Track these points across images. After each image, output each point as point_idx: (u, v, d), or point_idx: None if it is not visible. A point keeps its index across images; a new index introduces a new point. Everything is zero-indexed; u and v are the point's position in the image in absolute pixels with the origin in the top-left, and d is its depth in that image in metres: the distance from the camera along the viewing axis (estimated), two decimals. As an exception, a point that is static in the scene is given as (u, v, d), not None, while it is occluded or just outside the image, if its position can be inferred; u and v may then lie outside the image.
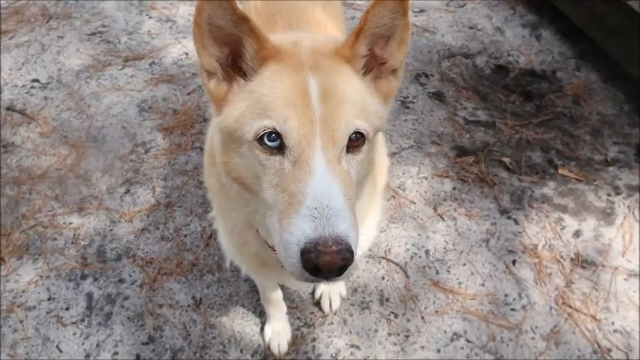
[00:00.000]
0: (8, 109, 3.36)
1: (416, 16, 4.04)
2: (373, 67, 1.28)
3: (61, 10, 4.15)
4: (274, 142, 1.13)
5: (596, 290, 2.48)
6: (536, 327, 2.38)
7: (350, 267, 1.05)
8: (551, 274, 2.55)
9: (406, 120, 3.25)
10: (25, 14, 4.13)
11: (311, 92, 1.13)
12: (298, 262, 1.04)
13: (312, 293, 2.45)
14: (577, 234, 2.70)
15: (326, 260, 1.01)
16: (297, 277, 1.09)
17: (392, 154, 3.02)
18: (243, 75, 1.23)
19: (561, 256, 2.61)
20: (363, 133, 1.17)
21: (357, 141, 1.17)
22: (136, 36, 3.91)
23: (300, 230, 1.04)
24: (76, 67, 3.65)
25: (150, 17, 4.07)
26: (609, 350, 2.30)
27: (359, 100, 1.20)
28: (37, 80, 3.57)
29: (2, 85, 3.53)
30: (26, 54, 3.76)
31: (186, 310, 2.41)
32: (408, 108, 3.33)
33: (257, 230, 1.43)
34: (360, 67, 1.25)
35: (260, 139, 1.14)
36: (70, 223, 2.74)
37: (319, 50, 1.23)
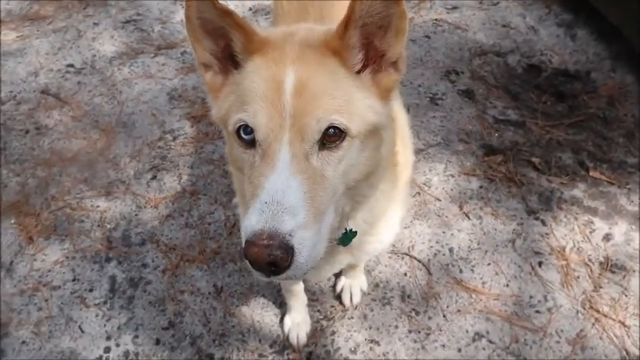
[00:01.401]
0: (43, 92, 3.43)
1: (448, 12, 3.99)
2: (375, 60, 1.23)
3: (97, -2, 4.21)
4: (249, 135, 1.13)
5: (626, 296, 2.42)
6: (562, 331, 2.33)
7: (291, 267, 1.03)
8: (578, 277, 2.49)
9: (434, 117, 3.21)
10: (62, 0, 4.20)
11: (285, 86, 1.10)
12: (243, 253, 1.05)
13: (334, 286, 2.44)
14: (607, 237, 2.64)
15: (253, 252, 1.01)
16: (249, 270, 1.09)
17: (419, 151, 2.99)
18: (238, 67, 1.23)
19: (590, 260, 2.55)
20: (341, 128, 1.12)
21: (334, 137, 1.12)
22: (169, 25, 3.94)
23: (248, 220, 1.04)
24: (109, 54, 3.70)
25: (183, 7, 4.09)
26: (638, 358, 2.24)
27: (341, 94, 1.15)
28: (71, 65, 3.63)
29: (38, 69, 3.60)
30: (63, 39, 3.83)
31: (207, 298, 2.43)
32: (436, 105, 3.29)
33: None
34: (355, 59, 1.20)
35: (237, 132, 1.14)
36: (98, 207, 2.78)
37: (308, 42, 1.19)
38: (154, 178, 2.91)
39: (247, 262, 1.05)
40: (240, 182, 1.41)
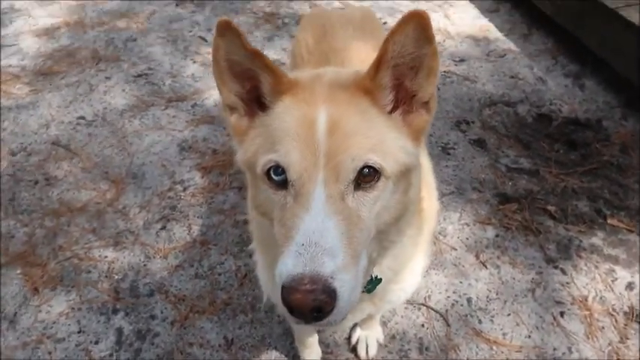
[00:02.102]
0: (54, 143, 3.44)
1: (456, 65, 4.05)
2: (405, 100, 1.21)
3: (111, 54, 4.31)
4: (280, 176, 1.09)
5: (654, 348, 2.31)
6: (589, 385, 2.21)
7: (333, 312, 0.98)
8: (603, 327, 2.39)
9: (447, 166, 3.19)
10: (76, 57, 4.30)
11: (318, 125, 1.07)
12: (280, 299, 0.99)
13: (348, 338, 2.34)
14: (630, 286, 2.55)
15: (295, 298, 0.95)
16: (285, 316, 1.03)
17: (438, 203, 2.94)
18: (265, 109, 1.21)
19: (614, 310, 2.45)
20: (375, 167, 1.09)
21: (369, 176, 1.09)
22: (179, 79, 4.00)
23: (284, 265, 0.99)
24: (120, 107, 3.74)
25: (194, 62, 4.18)
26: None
27: (374, 134, 1.13)
28: (82, 117, 3.66)
29: (50, 122, 3.63)
30: (75, 93, 3.88)
31: (217, 350, 2.33)
32: (448, 154, 3.28)
33: None
34: (386, 100, 1.18)
35: (267, 174, 1.10)
36: (105, 257, 2.73)
37: (337, 83, 1.18)
38: (163, 228, 2.87)
39: (285, 308, 0.99)
40: (262, 229, 1.36)
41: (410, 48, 1.11)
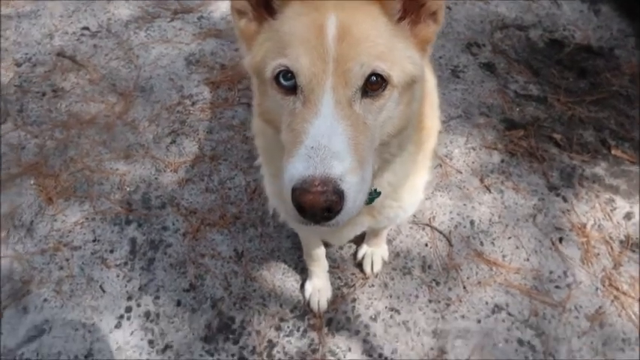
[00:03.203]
0: (59, 54, 3.39)
1: (471, -16, 3.92)
2: (413, 10, 1.21)
3: (112, -40, 4.13)
4: (289, 81, 1.10)
5: (645, 274, 2.42)
6: (581, 306, 2.33)
7: (341, 213, 1.02)
8: (599, 254, 2.49)
9: (455, 89, 3.18)
10: (76, -38, 4.12)
11: (328, 30, 1.07)
12: (290, 201, 1.02)
13: (355, 254, 2.44)
14: (628, 216, 2.63)
15: (308, 199, 0.98)
16: (291, 219, 1.08)
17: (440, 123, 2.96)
18: (274, 14, 1.20)
19: (610, 237, 2.54)
20: (383, 75, 1.10)
21: (376, 84, 1.10)
22: (185, -11, 3.88)
23: (294, 168, 1.02)
24: (125, 18, 3.65)
25: (199, -29, 4.03)
26: (656, 334, 2.25)
27: (383, 42, 1.13)
28: (87, 28, 3.58)
29: (53, 32, 3.55)
30: (76, 2, 3.77)
31: (228, 262, 2.43)
32: (458, 77, 3.25)
33: None
34: (395, 9, 1.18)
35: (276, 78, 1.11)
36: (117, 169, 2.77)
37: None
38: (173, 142, 2.89)
39: (295, 210, 1.02)
40: (267, 138, 1.37)
41: None
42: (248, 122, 2.92)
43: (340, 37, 1.07)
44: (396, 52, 1.15)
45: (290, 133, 1.08)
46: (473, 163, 2.81)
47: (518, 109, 3.11)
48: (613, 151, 2.92)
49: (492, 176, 2.76)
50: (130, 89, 3.16)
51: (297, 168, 1.01)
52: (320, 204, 0.98)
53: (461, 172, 2.76)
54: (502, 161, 2.82)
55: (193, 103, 3.07)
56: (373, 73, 1.09)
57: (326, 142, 1.01)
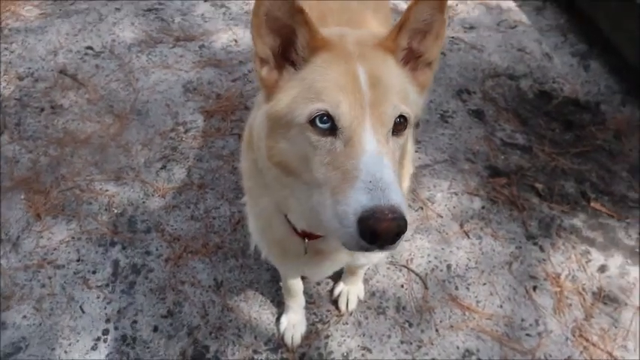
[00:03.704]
0: (61, 72, 3.48)
1: (465, 32, 4.05)
2: (410, 59, 1.36)
3: (121, -17, 4.26)
4: (326, 124, 1.19)
5: (616, 327, 2.47)
6: (550, 355, 2.38)
7: (403, 235, 1.11)
8: (571, 305, 2.54)
9: (443, 134, 3.27)
10: (86, -18, 4.24)
11: (360, 78, 1.20)
12: (355, 231, 1.09)
13: (331, 291, 2.49)
14: (602, 269, 2.69)
15: (384, 226, 1.06)
16: (351, 247, 1.15)
17: (425, 166, 3.04)
18: (292, 64, 1.30)
19: (584, 289, 2.60)
20: (406, 116, 1.24)
21: (400, 125, 1.24)
22: (189, 17, 3.99)
23: (357, 201, 1.09)
24: (129, 40, 3.75)
25: (205, 1, 4.15)
26: (620, 389, 2.29)
27: (402, 88, 1.27)
28: (90, 48, 3.67)
29: (58, 49, 3.65)
30: (84, 21, 3.88)
31: (207, 291, 2.47)
32: (446, 122, 3.34)
33: (285, 216, 1.49)
34: (400, 59, 1.34)
35: (312, 122, 1.20)
36: (106, 190, 2.83)
37: (364, 42, 1.31)
38: (163, 167, 2.96)
39: (359, 237, 1.09)
40: (259, 180, 1.45)
41: (425, 15, 1.29)
42: (237, 153, 2.99)
43: (372, 83, 1.20)
44: (410, 95, 1.31)
45: (334, 171, 1.17)
46: (454, 207, 2.88)
47: (503, 157, 3.19)
48: (592, 204, 2.99)
49: (472, 222, 2.82)
50: (126, 111, 3.24)
51: (361, 200, 1.09)
52: (394, 230, 1.07)
53: (441, 216, 2.83)
54: (483, 207, 2.89)
55: (186, 131, 3.14)
56: (400, 115, 1.23)
57: (380, 176, 1.10)
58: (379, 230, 1.06)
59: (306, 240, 1.52)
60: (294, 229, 1.50)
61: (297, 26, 1.25)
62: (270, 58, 1.30)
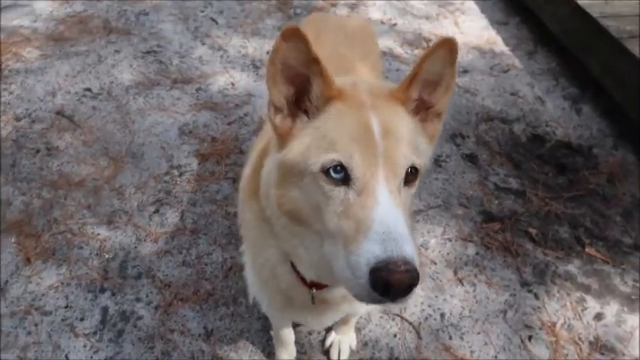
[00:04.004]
0: (58, 113, 3.50)
1: (459, 76, 4.10)
2: (420, 110, 1.38)
3: (122, 26, 4.34)
4: (339, 174, 1.19)
5: (612, 379, 2.43)
6: (545, 409, 2.33)
7: (415, 288, 1.10)
8: (567, 355, 2.50)
9: (437, 179, 3.27)
10: (88, 25, 4.33)
11: (373, 129, 1.21)
12: (366, 282, 1.08)
13: (323, 341, 2.45)
14: (598, 317, 2.66)
15: (397, 278, 1.05)
16: (362, 299, 1.14)
17: (419, 212, 3.04)
18: (306, 113, 1.32)
19: (580, 338, 2.56)
20: (417, 167, 1.25)
21: (411, 175, 1.25)
22: (187, 60, 4.05)
23: (369, 252, 1.08)
24: (126, 82, 3.79)
25: (203, 44, 4.22)
26: None
27: (412, 138, 1.28)
28: (89, 89, 3.71)
29: (56, 90, 3.69)
30: (84, 63, 3.93)
31: (197, 340, 2.43)
32: (440, 167, 3.36)
33: (292, 266, 1.49)
34: (411, 109, 1.35)
35: (326, 172, 1.20)
36: (98, 234, 2.81)
37: (376, 92, 1.33)
38: (156, 211, 2.95)
39: (371, 289, 1.08)
40: (284, 228, 1.40)
41: (437, 67, 1.32)
42: (231, 198, 2.99)
43: (384, 134, 1.21)
44: (421, 146, 1.31)
45: (347, 220, 1.17)
46: (448, 254, 2.86)
47: (496, 202, 3.19)
48: (587, 249, 2.98)
49: (466, 269, 2.80)
50: (121, 154, 3.25)
51: (374, 251, 1.08)
52: (406, 282, 1.06)
53: (435, 263, 2.81)
54: (477, 254, 2.88)
55: (181, 174, 3.15)
56: (412, 166, 1.23)
57: (393, 227, 1.10)
58: (392, 282, 1.06)
59: (314, 290, 1.51)
60: (302, 279, 1.49)
61: (313, 76, 1.27)
62: (284, 106, 1.32)
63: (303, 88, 1.30)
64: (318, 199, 1.22)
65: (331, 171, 1.19)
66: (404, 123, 1.29)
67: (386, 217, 1.12)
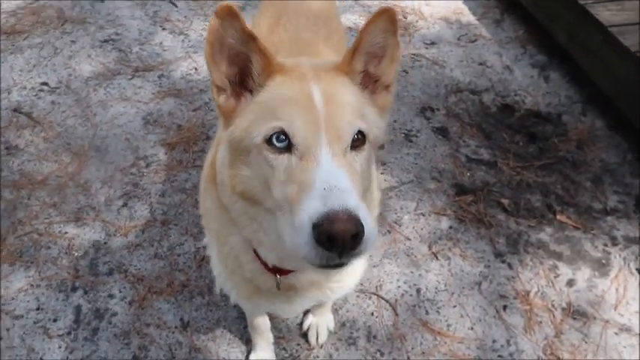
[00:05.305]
0: (15, 110, 3.39)
1: (427, 48, 4.07)
2: (369, 83, 1.38)
3: (77, 15, 4.19)
4: (282, 142, 1.19)
5: (586, 343, 2.47)
6: (523, 376, 2.37)
7: (363, 242, 1.08)
8: (541, 322, 2.54)
9: (408, 154, 3.26)
10: (41, 15, 4.17)
11: (314, 96, 1.21)
12: (310, 238, 1.06)
13: (300, 324, 2.44)
14: (570, 283, 2.69)
15: (339, 227, 1.04)
16: (312, 261, 1.11)
17: (392, 188, 3.03)
18: (250, 91, 1.32)
19: (553, 305, 2.60)
20: (364, 132, 1.24)
21: (358, 141, 1.24)
22: (147, 47, 3.93)
23: (310, 208, 1.08)
24: (86, 74, 3.68)
25: (163, 29, 4.10)
26: (594, 407, 2.29)
27: (358, 106, 1.29)
28: (46, 84, 3.59)
29: (11, 86, 3.56)
30: (38, 56, 3.79)
31: (173, 332, 2.41)
32: (411, 142, 3.34)
33: (255, 253, 1.47)
34: (358, 82, 1.35)
35: (269, 141, 1.20)
36: (66, 233, 2.75)
37: (319, 66, 1.34)
38: (125, 205, 2.89)
39: (317, 245, 1.06)
40: (242, 212, 1.38)
41: (378, 38, 1.32)
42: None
43: (327, 101, 1.21)
44: (369, 115, 1.32)
45: (291, 185, 1.16)
46: (422, 229, 2.86)
47: (468, 174, 3.19)
48: (558, 217, 3.01)
49: (440, 243, 2.81)
50: (84, 149, 3.16)
51: (316, 207, 1.07)
52: (350, 230, 1.04)
53: (409, 239, 2.81)
54: (450, 227, 2.89)
55: (147, 165, 3.08)
56: (358, 131, 1.23)
57: (335, 183, 1.10)
58: (334, 232, 1.04)
59: (278, 276, 1.50)
60: (265, 265, 1.48)
61: (251, 53, 1.26)
62: (227, 86, 1.32)
63: (245, 66, 1.30)
64: (265, 172, 1.22)
65: (274, 139, 1.19)
66: (347, 91, 1.29)
67: (326, 176, 1.11)
